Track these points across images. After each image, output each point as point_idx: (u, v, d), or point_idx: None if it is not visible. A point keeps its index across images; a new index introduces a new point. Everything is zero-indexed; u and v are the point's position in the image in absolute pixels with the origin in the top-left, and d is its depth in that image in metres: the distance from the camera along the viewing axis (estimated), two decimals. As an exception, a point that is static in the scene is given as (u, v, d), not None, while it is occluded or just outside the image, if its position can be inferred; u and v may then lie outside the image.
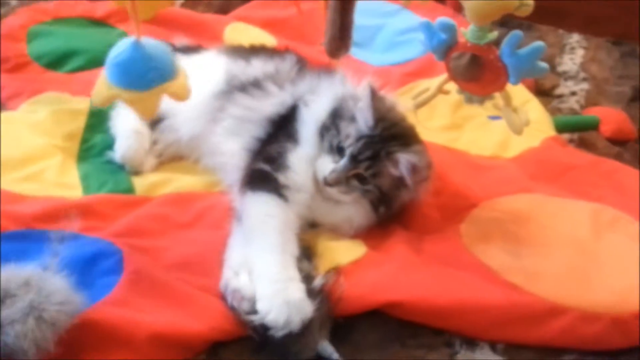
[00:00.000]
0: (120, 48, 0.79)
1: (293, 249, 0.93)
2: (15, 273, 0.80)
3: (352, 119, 1.01)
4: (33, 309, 0.76)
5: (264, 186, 0.99)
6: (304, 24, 1.60)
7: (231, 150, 1.08)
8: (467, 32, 0.97)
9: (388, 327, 0.89)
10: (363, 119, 1.00)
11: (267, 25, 1.58)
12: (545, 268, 0.94)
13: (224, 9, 1.66)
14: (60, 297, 0.79)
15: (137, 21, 0.78)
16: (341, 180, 0.99)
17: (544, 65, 0.94)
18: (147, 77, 0.77)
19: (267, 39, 1.52)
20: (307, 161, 1.02)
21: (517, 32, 0.92)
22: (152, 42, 0.80)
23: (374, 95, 1.00)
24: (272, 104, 1.10)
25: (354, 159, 0.98)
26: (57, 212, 0.95)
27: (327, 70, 1.15)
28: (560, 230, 1.01)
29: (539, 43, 0.92)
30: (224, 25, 1.54)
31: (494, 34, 0.97)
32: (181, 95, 0.80)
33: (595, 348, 0.88)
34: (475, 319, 0.88)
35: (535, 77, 1.02)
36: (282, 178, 1.00)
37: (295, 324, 0.84)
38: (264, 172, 1.01)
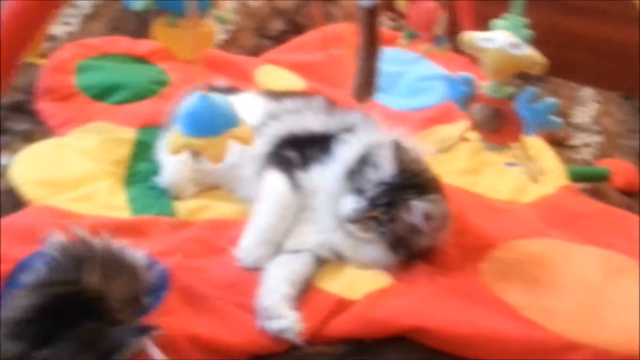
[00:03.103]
0: (190, 101, 0.84)
1: (280, 234, 1.08)
2: None
3: (377, 166, 1.08)
4: None
5: (285, 172, 1.13)
6: (331, 69, 1.69)
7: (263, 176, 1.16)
8: (486, 86, 1.05)
9: (412, 353, 0.94)
10: (386, 168, 1.07)
11: (296, 68, 1.66)
12: (561, 307, 0.99)
13: (255, 52, 1.76)
14: None
15: (202, 74, 0.83)
16: (359, 220, 1.06)
17: (557, 120, 1.01)
18: (214, 124, 0.83)
19: (296, 82, 1.61)
20: (326, 184, 1.11)
21: (531, 89, 1.00)
22: (215, 95, 0.85)
23: (398, 148, 1.08)
24: (312, 121, 1.20)
25: (372, 203, 1.05)
26: (110, 229, 1.01)
27: (364, 113, 1.23)
28: (573, 273, 1.07)
29: (552, 100, 1.00)
30: (255, 67, 1.63)
31: (511, 89, 1.04)
32: (246, 140, 0.85)
33: (607, 384, 0.93)
34: (494, 350, 0.94)
35: (550, 130, 1.10)
36: (299, 177, 1.12)
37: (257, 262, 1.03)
38: (290, 161, 1.14)
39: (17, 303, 0.73)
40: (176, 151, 0.84)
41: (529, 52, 0.99)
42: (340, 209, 1.08)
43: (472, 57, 1.70)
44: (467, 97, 1.07)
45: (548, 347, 0.94)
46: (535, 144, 1.38)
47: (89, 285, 0.78)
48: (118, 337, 0.73)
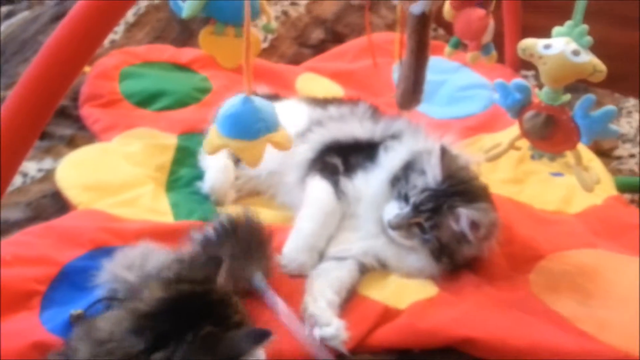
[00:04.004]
0: (232, 102, 0.83)
1: (323, 241, 1.08)
2: None
3: (422, 172, 1.07)
4: None
5: (329, 179, 1.13)
6: (370, 77, 1.69)
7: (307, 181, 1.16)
8: (541, 94, 1.03)
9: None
10: (432, 174, 1.05)
11: (336, 76, 1.67)
12: (614, 319, 0.96)
13: (295, 60, 1.77)
14: None
15: (249, 77, 0.82)
16: (402, 226, 1.05)
17: (615, 128, 0.99)
18: (254, 127, 0.82)
19: (336, 89, 1.61)
20: (370, 190, 1.11)
21: (590, 96, 0.98)
22: (259, 99, 0.84)
23: (445, 154, 1.06)
24: (356, 128, 1.20)
25: (416, 209, 1.04)
26: (155, 233, 1.02)
27: (409, 121, 1.22)
28: (624, 285, 1.04)
29: (611, 107, 0.98)
30: (296, 75, 1.65)
31: (567, 96, 1.02)
32: (284, 145, 0.84)
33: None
34: (548, 362, 0.91)
35: (607, 138, 1.07)
36: (343, 184, 1.12)
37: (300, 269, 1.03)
38: (334, 167, 1.14)
39: (147, 295, 0.72)
40: (213, 150, 0.83)
41: (591, 60, 0.97)
42: (383, 215, 1.07)
43: (513, 66, 1.74)
44: (520, 105, 1.05)
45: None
46: (583, 153, 1.35)
47: (218, 286, 0.76)
48: (237, 344, 0.70)
